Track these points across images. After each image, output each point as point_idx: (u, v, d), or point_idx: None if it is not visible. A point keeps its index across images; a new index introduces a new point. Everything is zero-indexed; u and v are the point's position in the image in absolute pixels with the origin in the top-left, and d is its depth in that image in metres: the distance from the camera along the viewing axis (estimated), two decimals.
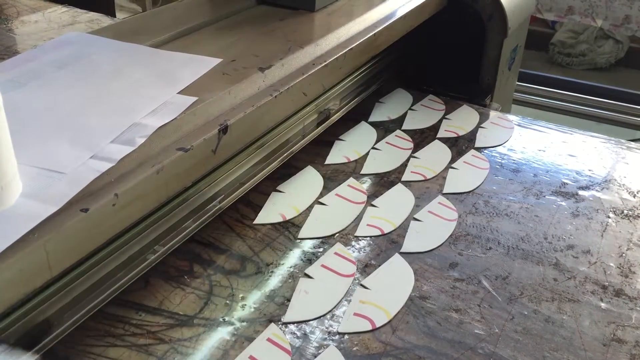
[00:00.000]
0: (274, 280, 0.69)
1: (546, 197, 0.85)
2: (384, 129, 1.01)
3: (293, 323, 0.63)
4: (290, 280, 0.69)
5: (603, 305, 0.67)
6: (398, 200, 0.83)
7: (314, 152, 0.92)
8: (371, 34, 0.90)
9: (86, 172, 0.53)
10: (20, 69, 0.71)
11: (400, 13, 0.98)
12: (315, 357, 0.59)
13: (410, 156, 0.94)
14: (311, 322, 0.64)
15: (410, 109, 1.08)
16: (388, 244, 0.75)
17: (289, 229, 0.77)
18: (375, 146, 0.96)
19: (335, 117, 0.92)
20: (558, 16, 2.23)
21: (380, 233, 0.77)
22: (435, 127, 1.02)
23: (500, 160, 0.94)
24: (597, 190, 0.87)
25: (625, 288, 0.70)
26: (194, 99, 0.66)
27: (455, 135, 1.00)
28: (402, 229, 0.78)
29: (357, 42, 0.87)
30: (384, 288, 0.68)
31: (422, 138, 0.99)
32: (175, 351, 0.60)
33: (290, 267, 0.71)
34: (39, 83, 0.68)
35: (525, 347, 0.62)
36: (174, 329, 0.62)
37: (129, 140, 0.58)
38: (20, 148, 0.51)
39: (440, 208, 0.82)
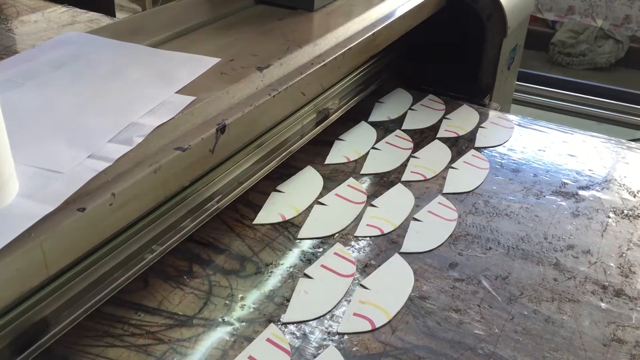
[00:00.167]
0: (274, 281, 0.69)
1: (546, 197, 0.85)
2: (384, 128, 1.01)
3: (292, 323, 0.63)
4: (289, 281, 0.68)
5: (603, 305, 0.67)
6: (398, 200, 0.83)
7: (314, 152, 0.92)
8: (370, 33, 0.89)
9: (83, 172, 0.53)
10: (18, 69, 0.70)
11: (399, 13, 0.98)
12: (315, 357, 0.59)
13: (410, 156, 0.93)
14: (311, 322, 0.63)
15: (410, 108, 1.08)
16: (388, 244, 0.75)
17: (289, 229, 0.77)
18: (375, 146, 0.95)
19: (334, 117, 0.92)
20: (558, 16, 2.23)
21: (380, 233, 0.76)
22: (435, 127, 1.02)
23: (500, 160, 0.93)
24: (597, 190, 0.87)
25: (626, 288, 0.69)
26: (192, 98, 0.66)
27: (455, 135, 1.00)
28: (402, 229, 0.77)
29: (356, 42, 0.86)
30: (383, 288, 0.68)
31: (422, 138, 0.99)
32: (174, 351, 0.59)
33: (290, 267, 0.70)
34: (36, 83, 0.68)
35: (525, 347, 0.61)
36: (173, 329, 0.62)
37: (126, 140, 0.58)
38: (17, 147, 0.51)
39: (440, 208, 0.82)
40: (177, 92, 0.67)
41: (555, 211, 0.82)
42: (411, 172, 0.89)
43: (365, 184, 0.87)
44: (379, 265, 0.71)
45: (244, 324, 0.63)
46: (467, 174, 0.89)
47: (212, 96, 0.67)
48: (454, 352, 0.61)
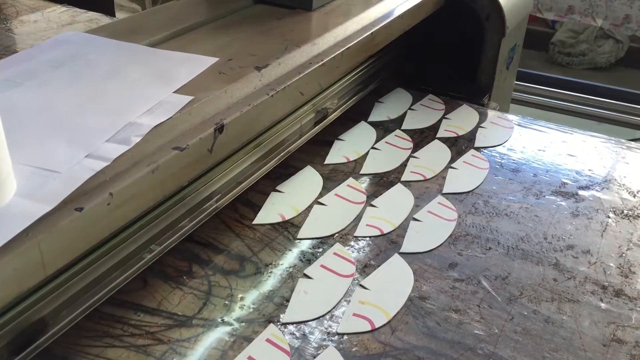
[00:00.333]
0: (273, 281, 0.68)
1: (546, 197, 0.85)
2: (384, 128, 1.01)
3: (292, 323, 0.63)
4: (289, 281, 0.68)
5: (603, 305, 0.67)
6: (397, 200, 0.83)
7: (313, 151, 0.91)
8: (368, 33, 0.89)
9: (81, 171, 0.53)
10: (17, 69, 0.70)
11: (397, 12, 0.97)
12: (315, 357, 0.59)
13: (410, 156, 0.93)
14: (310, 322, 0.63)
15: (409, 108, 1.07)
16: (387, 244, 0.75)
17: (288, 229, 0.76)
18: (374, 146, 0.95)
19: (333, 117, 0.92)
20: (558, 16, 2.23)
21: (379, 233, 0.76)
22: (434, 127, 1.02)
23: (500, 160, 0.93)
24: (597, 190, 0.86)
25: (625, 288, 0.69)
26: (190, 98, 0.66)
27: (455, 135, 1.00)
28: (402, 229, 0.77)
29: (355, 41, 0.86)
30: (383, 288, 0.68)
31: (421, 138, 0.99)
32: (173, 352, 0.59)
33: (290, 268, 0.70)
34: (35, 82, 0.68)
35: (524, 348, 0.61)
36: (172, 329, 0.62)
37: (124, 140, 0.58)
38: (15, 147, 0.51)
39: (440, 208, 0.81)
40: (175, 92, 0.67)
41: (555, 211, 0.82)
42: (411, 172, 0.89)
43: (364, 184, 0.86)
44: (379, 266, 0.71)
45: (243, 324, 0.63)
46: (467, 174, 0.89)
47: (210, 96, 0.67)
48: (453, 352, 0.60)
